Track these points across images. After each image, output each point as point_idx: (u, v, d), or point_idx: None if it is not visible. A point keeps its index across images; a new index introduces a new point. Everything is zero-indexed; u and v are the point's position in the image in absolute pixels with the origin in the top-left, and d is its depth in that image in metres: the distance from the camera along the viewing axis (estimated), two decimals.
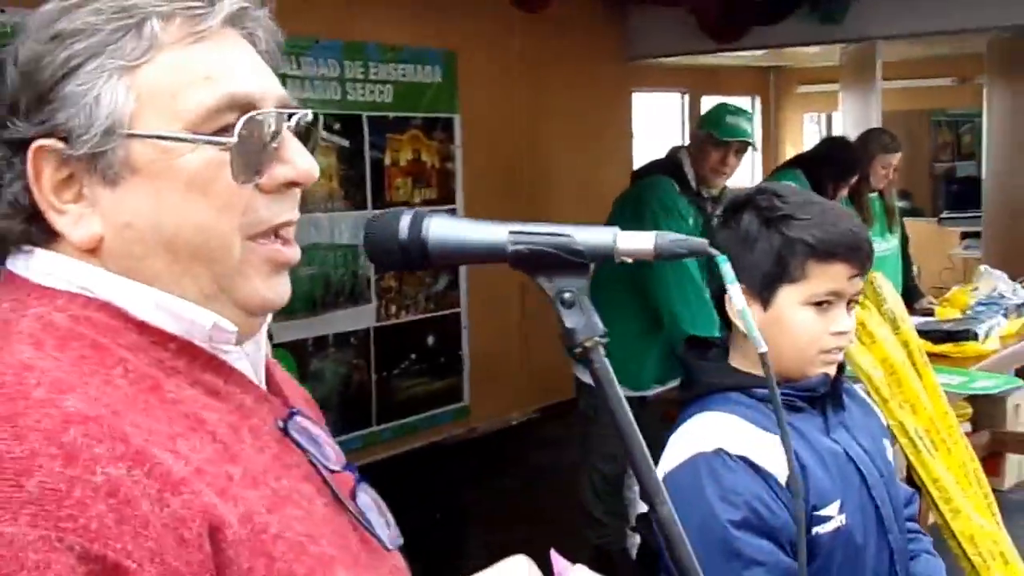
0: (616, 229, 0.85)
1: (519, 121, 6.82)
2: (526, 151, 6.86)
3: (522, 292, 6.86)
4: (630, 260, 0.84)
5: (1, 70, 0.88)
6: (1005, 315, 4.34)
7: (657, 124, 9.31)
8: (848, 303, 1.75)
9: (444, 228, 0.88)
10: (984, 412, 4.98)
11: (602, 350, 0.84)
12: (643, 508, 4.00)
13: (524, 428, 6.85)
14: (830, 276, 1.70)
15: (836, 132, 8.96)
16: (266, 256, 0.91)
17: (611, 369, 0.84)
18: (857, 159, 4.88)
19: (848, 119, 7.03)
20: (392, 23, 5.83)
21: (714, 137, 4.04)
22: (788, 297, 1.71)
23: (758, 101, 10.21)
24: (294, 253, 0.93)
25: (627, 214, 4.04)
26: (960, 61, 8.70)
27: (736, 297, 0.83)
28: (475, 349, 6.49)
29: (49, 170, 0.87)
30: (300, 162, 0.91)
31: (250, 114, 0.88)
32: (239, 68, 0.90)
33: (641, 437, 0.84)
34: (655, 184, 4.05)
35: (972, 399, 3.94)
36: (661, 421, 3.94)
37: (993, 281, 4.64)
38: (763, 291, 1.72)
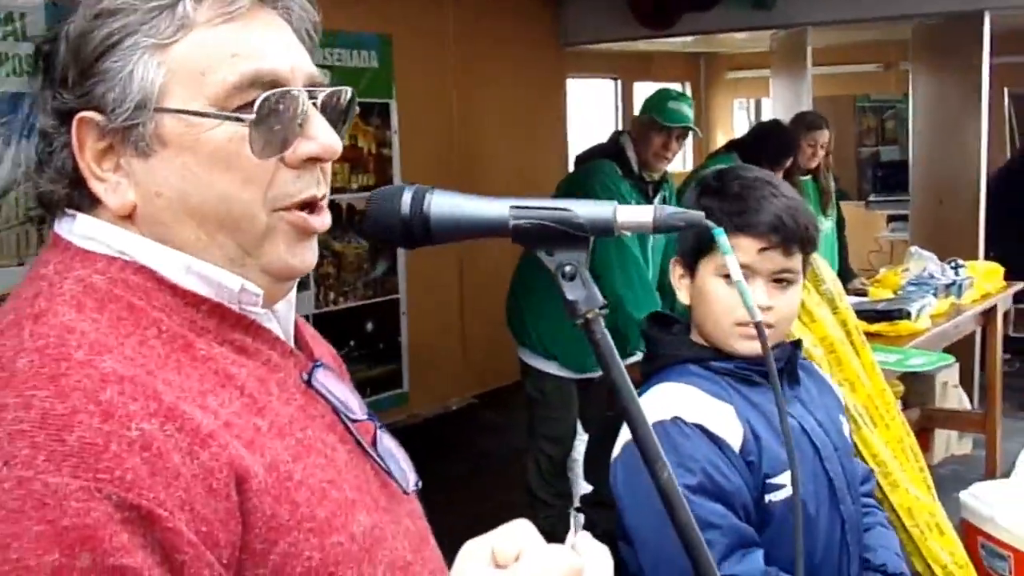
0: (615, 203, 0.87)
1: (454, 107, 6.82)
2: (461, 137, 6.87)
3: (460, 279, 6.87)
4: (628, 233, 0.86)
5: (56, 45, 0.93)
6: (935, 295, 4.44)
7: (590, 110, 9.37)
8: (778, 281, 1.77)
9: (446, 204, 0.89)
10: (914, 390, 5.12)
11: (602, 321, 0.86)
12: (586, 489, 4.05)
13: (463, 414, 6.86)
14: (737, 249, 1.72)
15: (765, 118, 9.10)
16: (292, 224, 0.95)
17: (611, 339, 0.86)
18: (790, 141, 5.01)
19: (778, 105, 7.13)
20: (327, 7, 5.76)
21: (656, 122, 4.09)
22: (705, 268, 1.78)
23: (688, 87, 10.32)
24: (322, 222, 0.97)
25: (571, 197, 4.07)
26: (886, 47, 8.87)
27: (733, 268, 0.85)
28: (414, 335, 6.48)
29: (90, 140, 0.92)
30: (323, 138, 0.94)
31: (269, 92, 0.91)
32: (268, 46, 0.93)
33: (642, 406, 0.86)
34: (598, 167, 4.09)
35: (902, 377, 4.04)
36: (606, 402, 4.00)
37: (923, 262, 4.75)
38: (690, 263, 1.81)
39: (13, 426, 0.78)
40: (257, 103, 0.91)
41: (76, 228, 0.94)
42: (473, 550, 0.81)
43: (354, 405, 1.02)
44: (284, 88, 0.92)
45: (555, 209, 0.87)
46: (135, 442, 0.79)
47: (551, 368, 4.22)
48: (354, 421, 1.00)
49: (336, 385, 1.01)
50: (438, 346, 6.66)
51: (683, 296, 1.83)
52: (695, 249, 1.79)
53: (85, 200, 0.94)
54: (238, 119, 0.90)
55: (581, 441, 4.71)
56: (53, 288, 0.89)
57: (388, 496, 1.00)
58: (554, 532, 4.67)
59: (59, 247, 0.94)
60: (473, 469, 5.70)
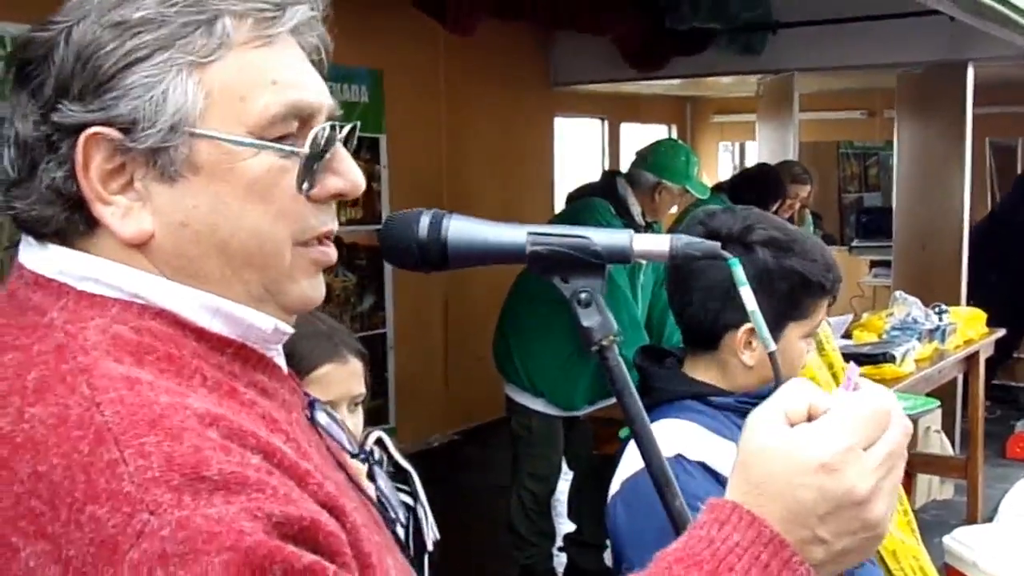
0: (631, 231, 0.88)
1: (443, 143, 6.85)
2: (450, 172, 6.89)
3: (445, 314, 6.87)
4: (644, 262, 0.87)
5: (49, 49, 0.84)
6: (919, 339, 4.47)
7: (578, 149, 9.44)
8: None
9: (463, 229, 0.90)
10: None
11: (616, 348, 0.87)
12: (570, 528, 4.03)
13: (445, 450, 6.83)
14: (822, 310, 1.80)
15: (750, 162, 9.19)
16: (313, 259, 0.91)
17: (624, 366, 0.87)
18: (777, 187, 5.07)
19: (764, 149, 7.19)
20: None
21: (671, 184, 4.15)
22: (794, 332, 1.77)
23: (674, 129, 10.40)
24: (335, 253, 0.93)
25: None
26: (871, 95, 8.98)
27: (748, 299, 0.86)
28: (399, 370, 6.45)
29: (99, 158, 0.83)
30: (352, 174, 0.91)
31: (322, 126, 0.88)
32: (301, 77, 0.89)
33: (654, 433, 0.86)
34: (590, 205, 4.11)
35: None
36: (593, 439, 4.00)
37: (907, 307, 4.78)
38: (773, 328, 1.67)
39: (140, 475, 0.72)
40: (311, 137, 0.87)
41: (67, 266, 0.85)
42: (762, 417, 0.83)
43: (345, 439, 0.99)
44: (328, 123, 0.89)
45: (572, 236, 0.87)
46: (261, 468, 0.76)
47: (538, 405, 4.22)
48: (351, 456, 0.98)
49: (333, 418, 0.99)
50: (422, 382, 6.63)
51: (749, 358, 1.77)
52: (781, 313, 1.75)
53: (81, 225, 0.85)
54: (288, 152, 0.86)
55: (565, 480, 4.69)
56: (77, 340, 0.80)
57: (384, 533, 0.97)
58: (535, 571, 4.63)
59: (47, 289, 0.84)
60: (455, 506, 5.67)
